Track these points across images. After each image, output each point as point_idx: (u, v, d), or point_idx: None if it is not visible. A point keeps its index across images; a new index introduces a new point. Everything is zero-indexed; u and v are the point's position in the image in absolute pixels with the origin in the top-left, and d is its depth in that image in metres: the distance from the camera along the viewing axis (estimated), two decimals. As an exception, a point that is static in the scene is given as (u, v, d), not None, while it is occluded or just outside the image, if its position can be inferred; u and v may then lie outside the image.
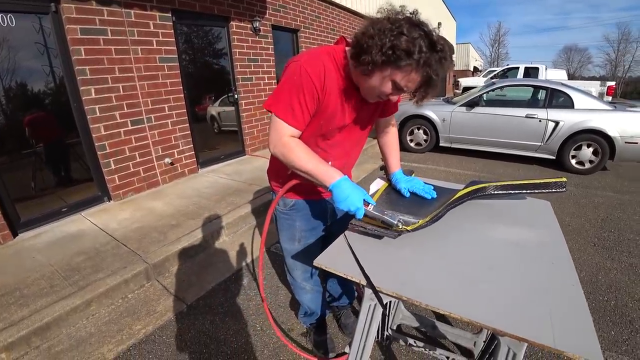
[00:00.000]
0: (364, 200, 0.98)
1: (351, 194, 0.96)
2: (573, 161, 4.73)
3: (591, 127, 4.45)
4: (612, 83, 9.89)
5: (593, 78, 35.54)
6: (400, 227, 0.95)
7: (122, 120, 3.30)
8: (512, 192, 1.22)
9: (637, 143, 4.31)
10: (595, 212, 3.40)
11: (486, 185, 1.22)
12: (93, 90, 3.04)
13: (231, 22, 4.39)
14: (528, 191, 1.21)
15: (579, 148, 4.65)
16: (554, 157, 4.84)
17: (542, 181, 1.19)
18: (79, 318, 1.94)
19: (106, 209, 3.20)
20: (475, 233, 1.06)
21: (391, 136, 1.40)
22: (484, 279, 0.83)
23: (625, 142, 4.34)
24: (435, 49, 0.86)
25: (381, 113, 1.27)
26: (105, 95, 3.14)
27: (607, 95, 9.34)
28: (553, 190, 1.18)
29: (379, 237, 1.00)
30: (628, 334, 1.81)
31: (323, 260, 0.90)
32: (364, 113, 1.16)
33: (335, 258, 0.91)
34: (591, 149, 4.58)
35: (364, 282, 0.82)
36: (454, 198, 1.16)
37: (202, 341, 1.78)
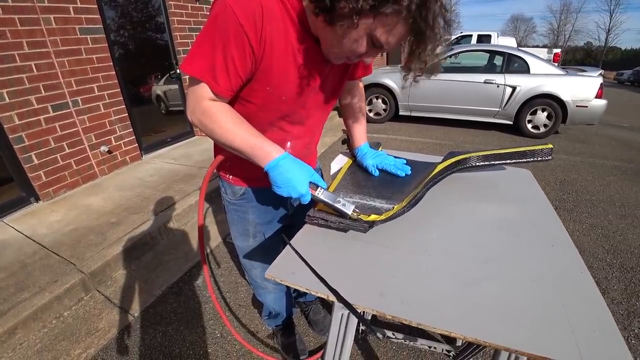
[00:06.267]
0: (311, 182, 0.77)
1: (293, 176, 0.74)
2: (529, 126, 4.85)
3: (546, 92, 4.54)
4: (559, 50, 10.36)
5: (537, 47, 37.56)
6: (356, 216, 0.77)
7: (40, 106, 2.77)
8: (497, 162, 1.06)
9: (586, 107, 4.47)
10: (553, 175, 3.48)
11: (468, 156, 1.05)
12: (-4, 71, 2.49)
13: (167, -13, 3.84)
14: (513, 161, 1.06)
15: (534, 113, 4.75)
16: (512, 122, 4.93)
17: (528, 149, 1.05)
18: (2, 352, 1.59)
19: (34, 211, 2.73)
20: (461, 216, 0.89)
21: (357, 102, 1.13)
22: (481, 276, 0.66)
23: (577, 106, 4.49)
24: None
25: (351, 75, 0.98)
26: (14, 76, 2.58)
27: (553, 61, 9.77)
28: (539, 158, 1.05)
29: (344, 230, 0.79)
30: (596, 295, 1.81)
31: (276, 272, 0.68)
32: (331, 76, 0.85)
33: (294, 266, 0.69)
34: (545, 113, 4.71)
35: (332, 297, 0.62)
36: (432, 174, 0.98)
37: (155, 358, 1.53)
